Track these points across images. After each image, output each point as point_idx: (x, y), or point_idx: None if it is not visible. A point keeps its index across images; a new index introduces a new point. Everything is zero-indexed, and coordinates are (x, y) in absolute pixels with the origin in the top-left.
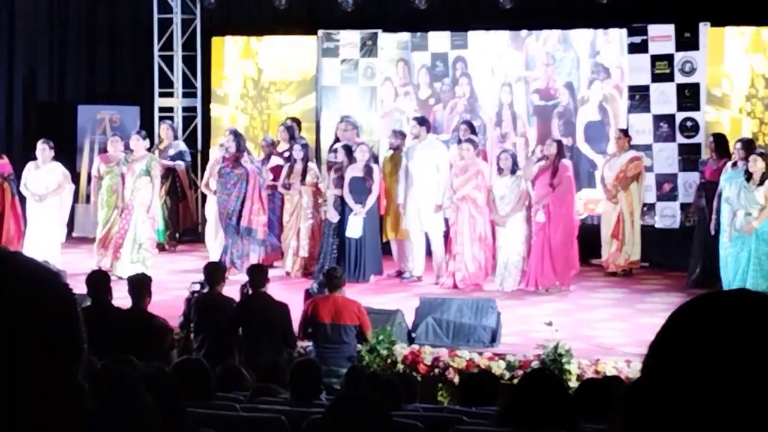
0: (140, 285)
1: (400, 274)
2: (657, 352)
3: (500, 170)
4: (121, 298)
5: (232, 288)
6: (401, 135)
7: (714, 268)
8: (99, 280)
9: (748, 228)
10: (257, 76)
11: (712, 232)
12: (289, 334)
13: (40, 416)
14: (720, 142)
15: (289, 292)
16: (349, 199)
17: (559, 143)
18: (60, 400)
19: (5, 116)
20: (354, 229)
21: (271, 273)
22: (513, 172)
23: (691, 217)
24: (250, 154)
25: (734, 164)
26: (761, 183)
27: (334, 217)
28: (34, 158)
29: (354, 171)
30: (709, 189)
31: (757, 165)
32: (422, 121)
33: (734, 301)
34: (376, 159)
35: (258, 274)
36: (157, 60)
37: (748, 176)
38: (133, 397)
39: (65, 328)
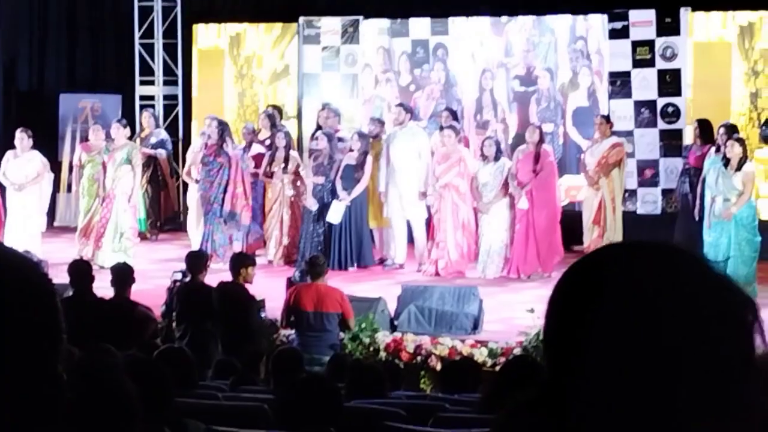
0: (123, 274)
1: (382, 261)
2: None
3: (484, 157)
4: (103, 287)
5: (214, 276)
6: (380, 123)
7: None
8: (81, 270)
9: (726, 214)
10: (238, 64)
11: (697, 218)
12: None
13: (17, 406)
14: (704, 127)
15: (271, 280)
16: (338, 185)
17: (540, 129)
18: (37, 391)
19: None
20: (335, 214)
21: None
22: (496, 158)
23: (674, 203)
24: (233, 141)
25: (717, 149)
26: (739, 168)
27: (312, 204)
28: (14, 147)
29: (349, 159)
30: (693, 175)
31: (734, 150)
32: (408, 108)
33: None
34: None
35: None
36: (137, 48)
37: (726, 162)
38: (114, 386)
39: (43, 317)
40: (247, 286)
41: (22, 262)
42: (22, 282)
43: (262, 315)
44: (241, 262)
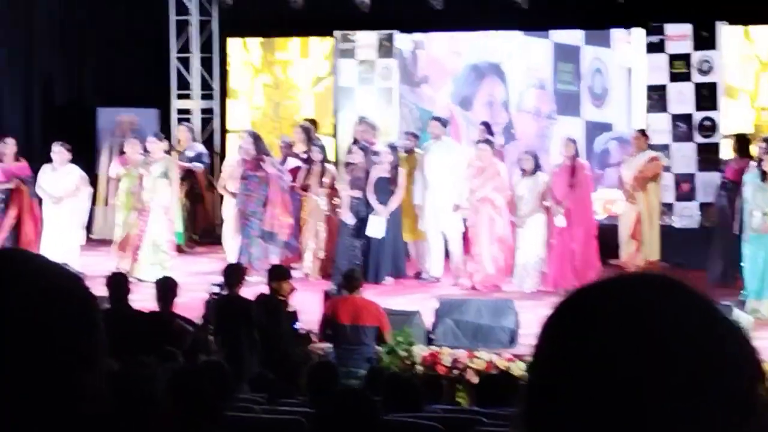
0: (166, 288)
1: (418, 275)
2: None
3: (522, 171)
4: (140, 300)
5: (251, 289)
6: (414, 136)
7: (734, 267)
8: (118, 283)
9: (765, 227)
10: (274, 77)
11: (736, 232)
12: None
13: (56, 424)
14: (741, 142)
15: (307, 293)
16: (372, 199)
17: (574, 142)
18: (77, 408)
19: (24, 120)
20: (375, 228)
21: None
22: (534, 172)
23: (711, 217)
24: (271, 156)
25: (759, 163)
26: None
27: (349, 218)
28: (52, 161)
29: (379, 171)
30: (730, 189)
31: None
32: (444, 122)
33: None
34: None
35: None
36: (174, 62)
37: (763, 175)
38: (148, 398)
39: (84, 333)
40: (285, 298)
41: (62, 275)
42: (62, 295)
43: (296, 326)
44: (275, 275)
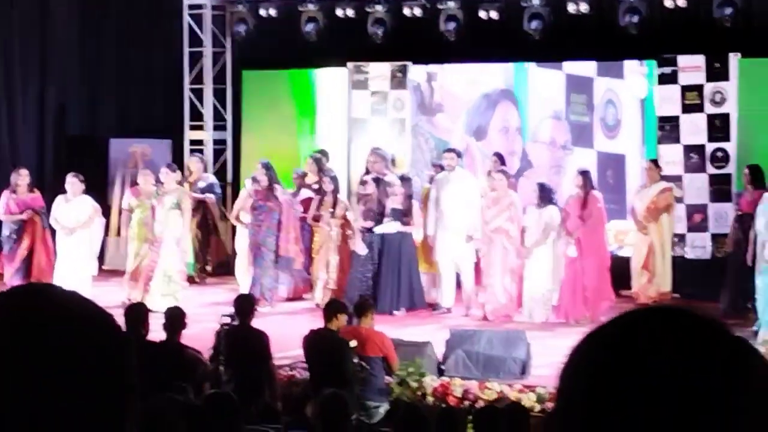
0: (175, 318)
1: (431, 306)
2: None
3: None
4: (151, 330)
5: (261, 320)
6: (441, 167)
7: (745, 298)
8: (137, 313)
9: None
10: (286, 108)
11: (749, 263)
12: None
13: None
14: (755, 173)
15: (318, 323)
16: (389, 221)
17: (586, 174)
18: None
19: (37, 150)
20: (383, 228)
21: (301, 305)
22: (542, 204)
23: (724, 249)
24: (282, 186)
25: None
26: None
27: (362, 249)
28: (65, 192)
29: (393, 202)
30: (745, 221)
31: None
32: (460, 154)
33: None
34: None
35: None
36: (187, 93)
37: None
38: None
39: (117, 371)
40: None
41: (97, 313)
42: (94, 332)
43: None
44: (336, 308)
